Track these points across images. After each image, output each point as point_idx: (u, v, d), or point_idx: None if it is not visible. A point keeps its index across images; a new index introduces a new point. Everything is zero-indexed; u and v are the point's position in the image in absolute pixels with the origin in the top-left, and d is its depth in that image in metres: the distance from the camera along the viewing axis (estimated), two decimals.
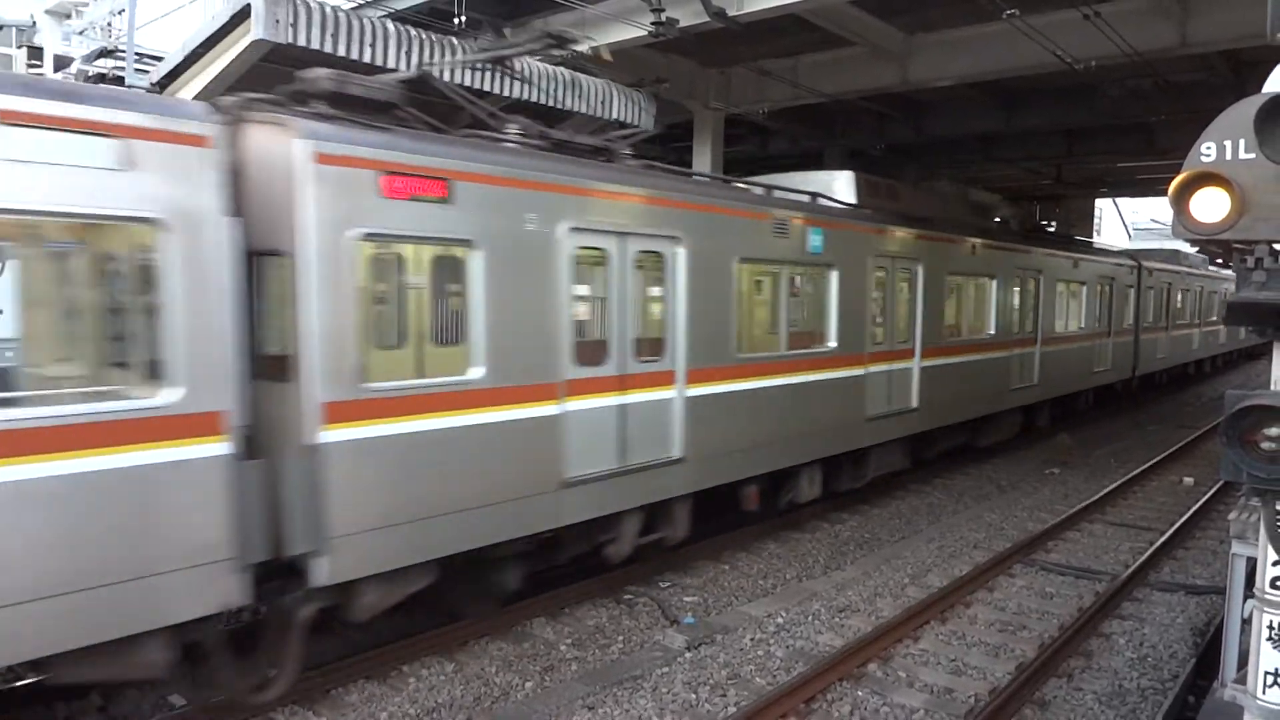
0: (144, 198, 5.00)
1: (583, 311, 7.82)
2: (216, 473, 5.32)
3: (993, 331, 14.88)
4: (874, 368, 11.65)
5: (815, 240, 10.46)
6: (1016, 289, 15.61)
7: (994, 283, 14.82)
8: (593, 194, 7.67)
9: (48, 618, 4.74)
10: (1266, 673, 3.91)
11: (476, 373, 6.71)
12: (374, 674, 6.85)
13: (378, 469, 6.10)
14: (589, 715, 6.30)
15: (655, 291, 8.51)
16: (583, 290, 7.80)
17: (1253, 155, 3.37)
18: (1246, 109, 3.38)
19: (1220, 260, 4.36)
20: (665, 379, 8.44)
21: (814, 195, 11.11)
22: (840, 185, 12.06)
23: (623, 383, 8.00)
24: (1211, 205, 3.46)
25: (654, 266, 8.44)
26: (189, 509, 5.23)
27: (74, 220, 4.92)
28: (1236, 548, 4.89)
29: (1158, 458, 15.79)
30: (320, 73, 6.57)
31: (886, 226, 11.98)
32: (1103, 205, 39.02)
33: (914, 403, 12.61)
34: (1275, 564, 3.87)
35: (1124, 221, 49.54)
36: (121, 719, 6.25)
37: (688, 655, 7.33)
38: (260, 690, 6.03)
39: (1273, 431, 3.50)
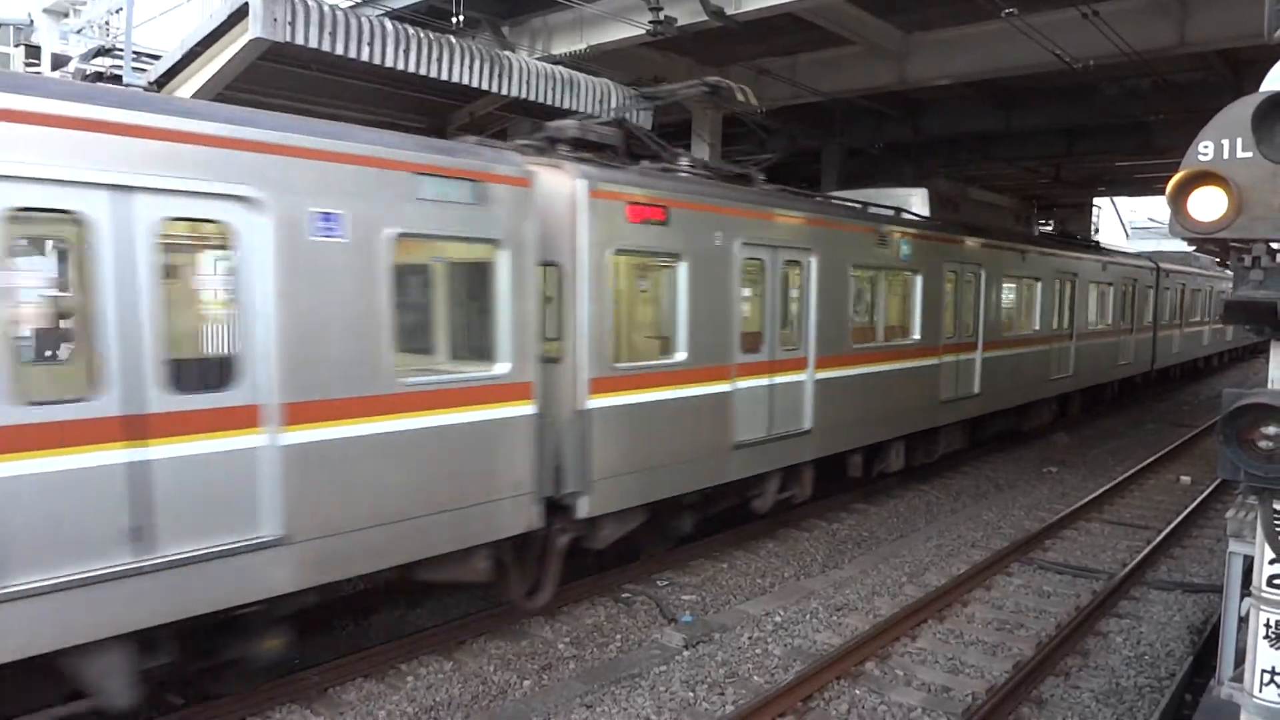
0: (491, 224, 6.78)
1: (746, 309, 9.59)
2: (527, 428, 7.13)
3: (1037, 327, 16.49)
4: (946, 358, 13.40)
5: (905, 249, 12.20)
6: (1056, 290, 17.18)
7: (1039, 284, 16.48)
8: (758, 216, 9.57)
9: (434, 529, 6.51)
10: (1263, 670, 3.92)
11: (681, 356, 8.62)
12: (372, 672, 6.85)
13: (620, 430, 7.94)
14: (587, 713, 6.30)
15: (794, 293, 10.29)
16: (747, 292, 9.58)
17: (1250, 154, 3.37)
18: (1244, 108, 3.38)
19: (1219, 259, 4.36)
20: (800, 364, 10.24)
21: (897, 210, 12.84)
22: (916, 200, 13.97)
23: (772, 367, 9.81)
24: (1209, 204, 3.46)
25: (794, 273, 10.20)
26: (512, 453, 7.03)
27: (458, 242, 6.78)
28: (1233, 546, 4.89)
29: (1155, 456, 15.81)
30: (567, 123, 8.59)
31: (956, 236, 13.73)
32: (1100, 204, 39.05)
33: (976, 389, 14.28)
34: (1272, 562, 3.88)
35: (1122, 220, 49.58)
36: (119, 717, 6.24)
37: (686, 654, 7.33)
38: (530, 598, 7.74)
39: (1270, 430, 3.51)
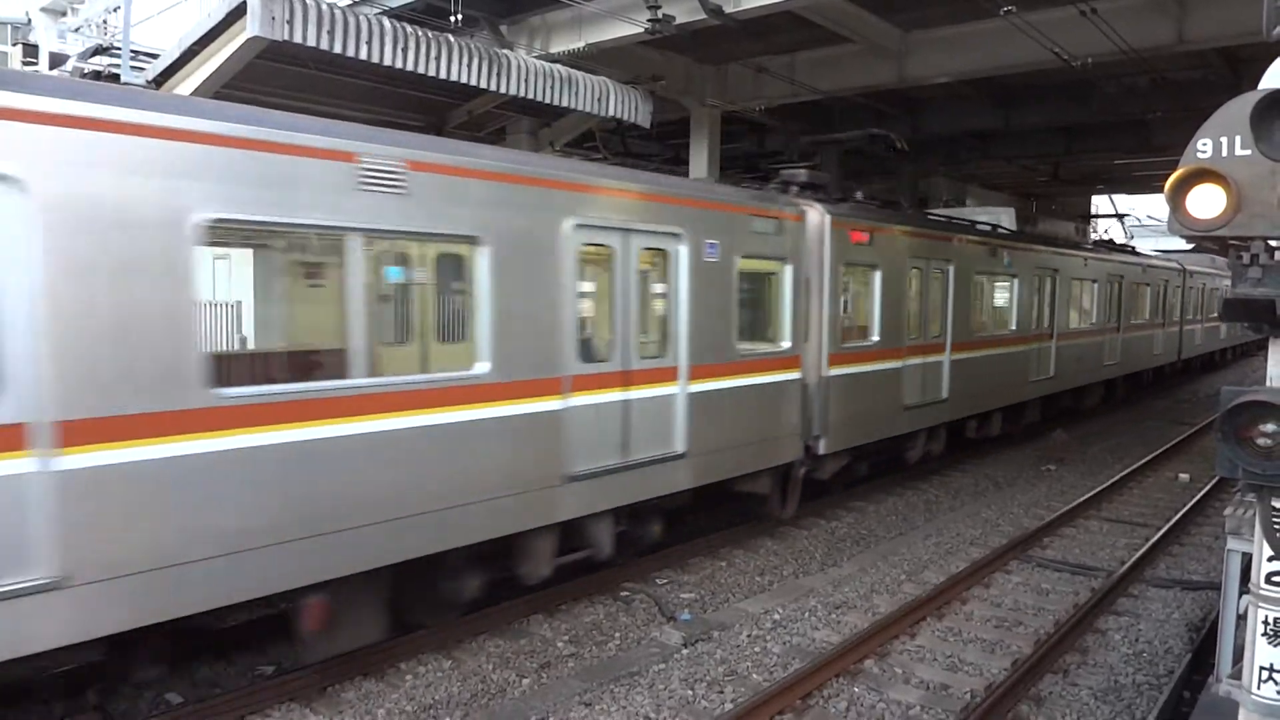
0: (782, 247, 9.97)
1: (914, 307, 12.69)
2: (797, 387, 10.30)
3: (1094, 321, 19.72)
4: (1034, 345, 16.55)
5: (1007, 259, 15.21)
6: (1109, 290, 20.41)
7: (1096, 285, 19.62)
8: (920, 237, 12.80)
9: (752, 452, 9.69)
10: (1261, 668, 3.92)
11: (875, 338, 11.72)
12: (371, 671, 6.85)
13: (844, 392, 10.93)
14: (586, 712, 6.30)
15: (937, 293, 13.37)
16: (911, 293, 12.71)
17: (1249, 152, 3.37)
18: (1243, 106, 3.37)
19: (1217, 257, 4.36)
20: (939, 349, 13.34)
21: (994, 226, 15.68)
22: (1005, 217, 16.97)
23: (924, 350, 12.98)
24: (1208, 202, 3.46)
25: (940, 279, 13.31)
26: (790, 405, 10.18)
27: (765, 260, 9.89)
28: (1232, 543, 4.89)
29: (1153, 454, 15.82)
30: (799, 171, 11.40)
31: (1039, 246, 16.75)
32: (1099, 202, 39.04)
33: (1051, 372, 17.28)
34: (1270, 559, 3.88)
35: (1121, 218, 49.49)
36: (118, 717, 6.24)
37: (685, 652, 7.34)
38: (784, 510, 10.81)
39: (1268, 427, 3.51)
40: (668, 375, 8.56)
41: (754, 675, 6.92)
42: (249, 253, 7.04)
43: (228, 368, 6.75)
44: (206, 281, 5.49)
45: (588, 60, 13.44)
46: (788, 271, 10.05)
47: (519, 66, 11.11)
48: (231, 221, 5.43)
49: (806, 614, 8.20)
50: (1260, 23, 4.53)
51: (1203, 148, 3.50)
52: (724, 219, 9.04)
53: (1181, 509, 11.84)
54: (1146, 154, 22.08)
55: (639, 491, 8.32)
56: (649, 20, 12.14)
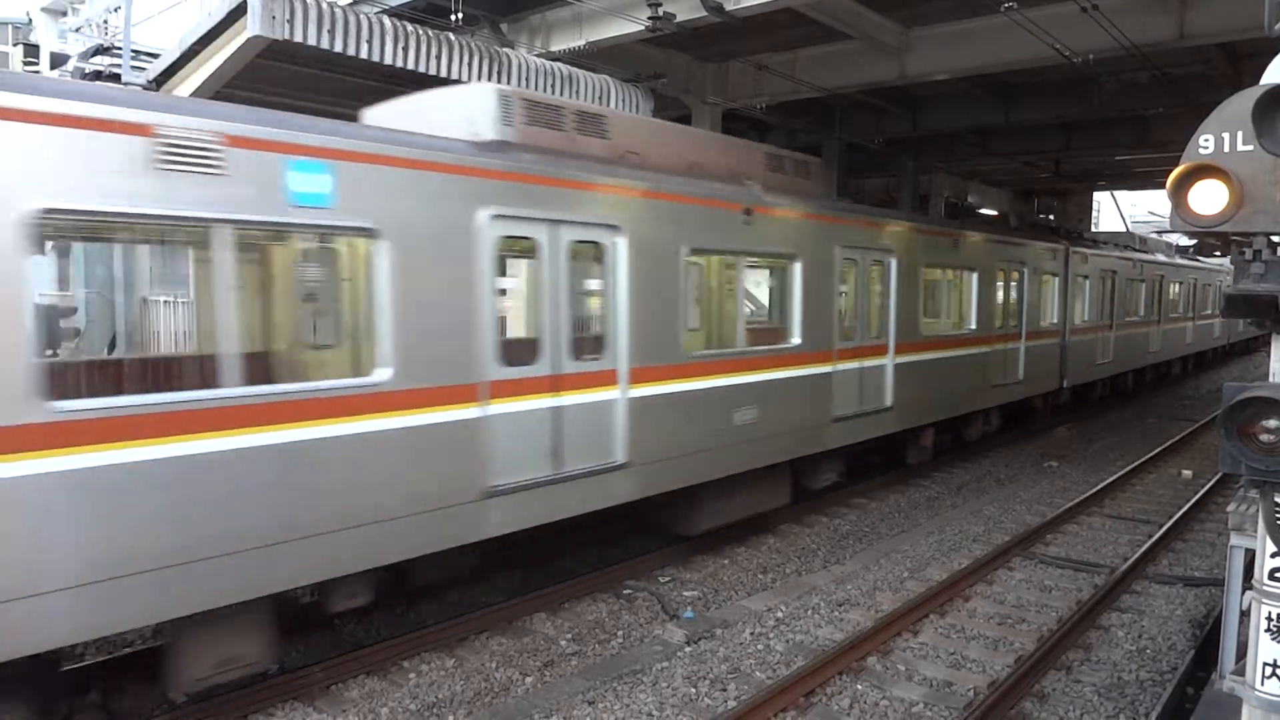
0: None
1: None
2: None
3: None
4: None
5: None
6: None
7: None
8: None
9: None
10: (1265, 664, 3.92)
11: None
12: (374, 669, 6.86)
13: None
14: (589, 710, 6.30)
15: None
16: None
17: (1251, 147, 3.36)
18: (1245, 101, 3.36)
19: (1219, 253, 4.35)
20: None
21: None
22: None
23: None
24: (1210, 197, 3.45)
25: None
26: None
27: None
28: (1235, 540, 4.89)
29: (1156, 450, 15.81)
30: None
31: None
32: (1100, 198, 39.03)
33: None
34: (1274, 555, 3.87)
35: (1122, 215, 49.50)
36: (122, 715, 6.26)
37: (687, 649, 7.34)
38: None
39: (1271, 423, 3.50)
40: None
41: (757, 673, 6.93)
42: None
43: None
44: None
45: (588, 58, 13.43)
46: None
47: (519, 65, 11.11)
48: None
49: (809, 611, 8.20)
50: (1260, 18, 4.52)
51: (1204, 143, 3.50)
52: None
53: (1184, 505, 11.84)
54: (1147, 150, 22.06)
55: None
56: (649, 18, 12.11)
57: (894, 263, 11.78)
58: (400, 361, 6.20)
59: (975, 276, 13.90)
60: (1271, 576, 3.90)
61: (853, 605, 8.38)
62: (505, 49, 11.57)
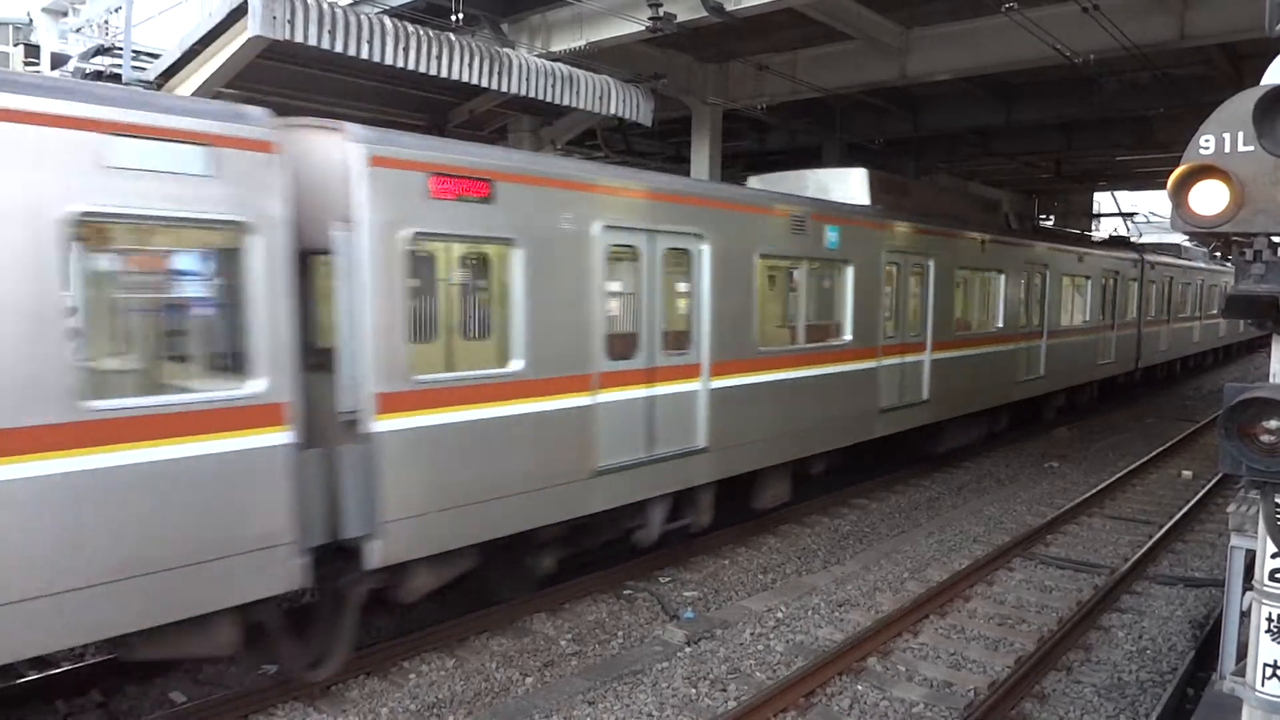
0: None
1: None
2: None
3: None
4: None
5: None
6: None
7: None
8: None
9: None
10: (1265, 664, 3.92)
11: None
12: (374, 670, 6.86)
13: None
14: (589, 710, 6.30)
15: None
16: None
17: (1252, 148, 3.36)
18: (1245, 102, 3.36)
19: (1219, 253, 4.35)
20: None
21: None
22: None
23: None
24: (1210, 198, 3.44)
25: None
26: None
27: None
28: (1235, 540, 4.89)
29: (1156, 451, 15.80)
30: None
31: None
32: (1101, 199, 39.02)
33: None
34: (1274, 556, 3.88)
35: (1123, 216, 49.48)
36: (121, 715, 6.26)
37: (688, 650, 7.34)
38: None
39: (1272, 424, 3.49)
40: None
41: (757, 673, 6.93)
42: None
43: None
44: None
45: (589, 58, 13.43)
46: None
47: (520, 65, 11.09)
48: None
49: (809, 612, 8.20)
50: (1261, 18, 4.52)
51: (1205, 144, 3.49)
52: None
53: (1185, 506, 11.83)
54: (1148, 150, 22.04)
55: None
56: (650, 18, 12.11)
57: (1048, 274, 16.80)
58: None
59: (1090, 282, 19.09)
60: (1272, 577, 3.90)
61: (853, 606, 8.38)
62: (506, 49, 11.55)
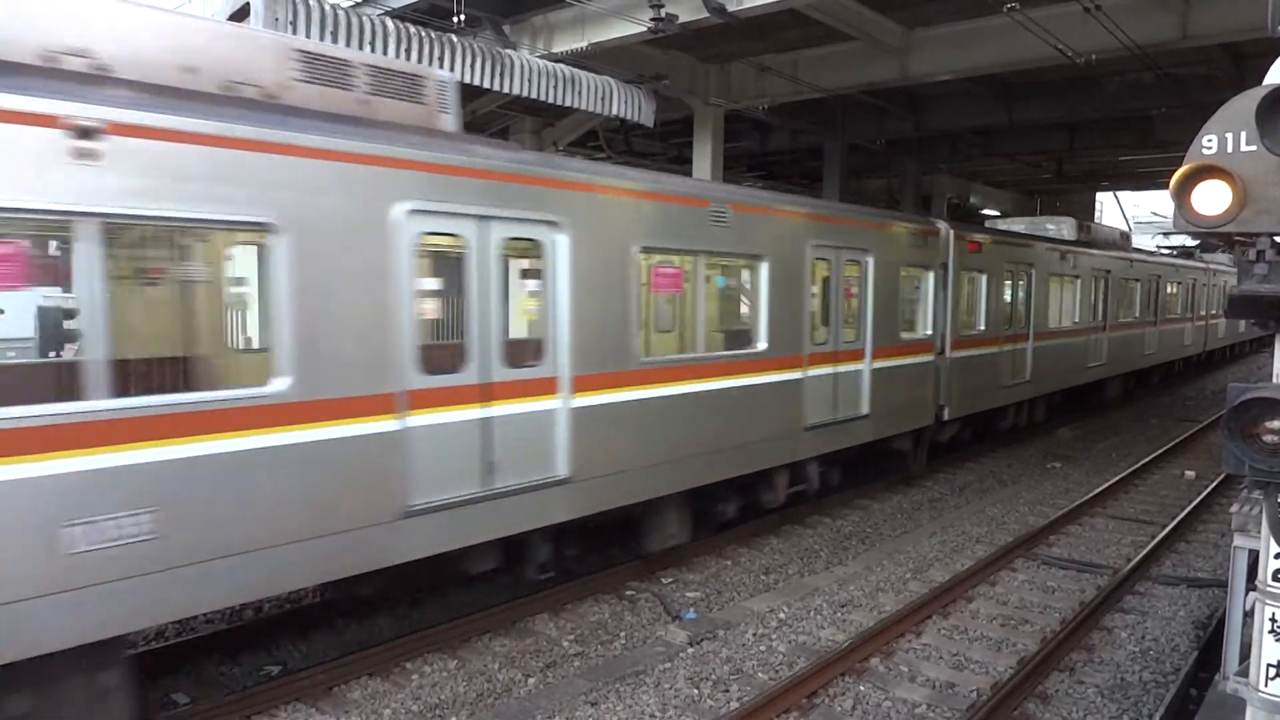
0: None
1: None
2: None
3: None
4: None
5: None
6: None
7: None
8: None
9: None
10: (1269, 665, 3.91)
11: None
12: (377, 670, 6.86)
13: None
14: (591, 711, 6.30)
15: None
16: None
17: (1254, 148, 3.35)
18: (1248, 101, 3.36)
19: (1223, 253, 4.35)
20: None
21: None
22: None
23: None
24: (1213, 198, 3.44)
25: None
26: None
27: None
28: (1238, 540, 4.87)
29: (1158, 451, 15.78)
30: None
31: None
32: (1103, 199, 39.03)
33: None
34: (1277, 556, 3.87)
35: (1125, 215, 49.57)
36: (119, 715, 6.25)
37: (690, 651, 7.34)
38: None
39: (1275, 424, 3.49)
40: None
41: (759, 674, 6.92)
42: None
43: None
44: None
45: (591, 59, 13.44)
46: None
47: (522, 66, 11.11)
48: None
49: (812, 612, 8.19)
50: (1264, 18, 4.51)
51: (1208, 144, 3.49)
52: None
53: (1187, 506, 11.82)
54: (1150, 150, 22.05)
55: None
56: (652, 19, 12.13)
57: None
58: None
59: (1170, 285, 24.39)
60: (1276, 577, 3.89)
61: (855, 606, 8.38)
62: (508, 50, 11.57)
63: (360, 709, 6.34)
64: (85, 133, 4.73)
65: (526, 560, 7.63)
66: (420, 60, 10.11)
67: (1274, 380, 3.80)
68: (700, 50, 16.00)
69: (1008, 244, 15.23)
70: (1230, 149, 3.43)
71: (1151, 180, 30.66)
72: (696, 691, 6.60)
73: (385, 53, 9.84)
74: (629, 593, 8.66)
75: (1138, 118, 19.64)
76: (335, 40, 9.50)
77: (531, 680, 6.84)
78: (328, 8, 9.45)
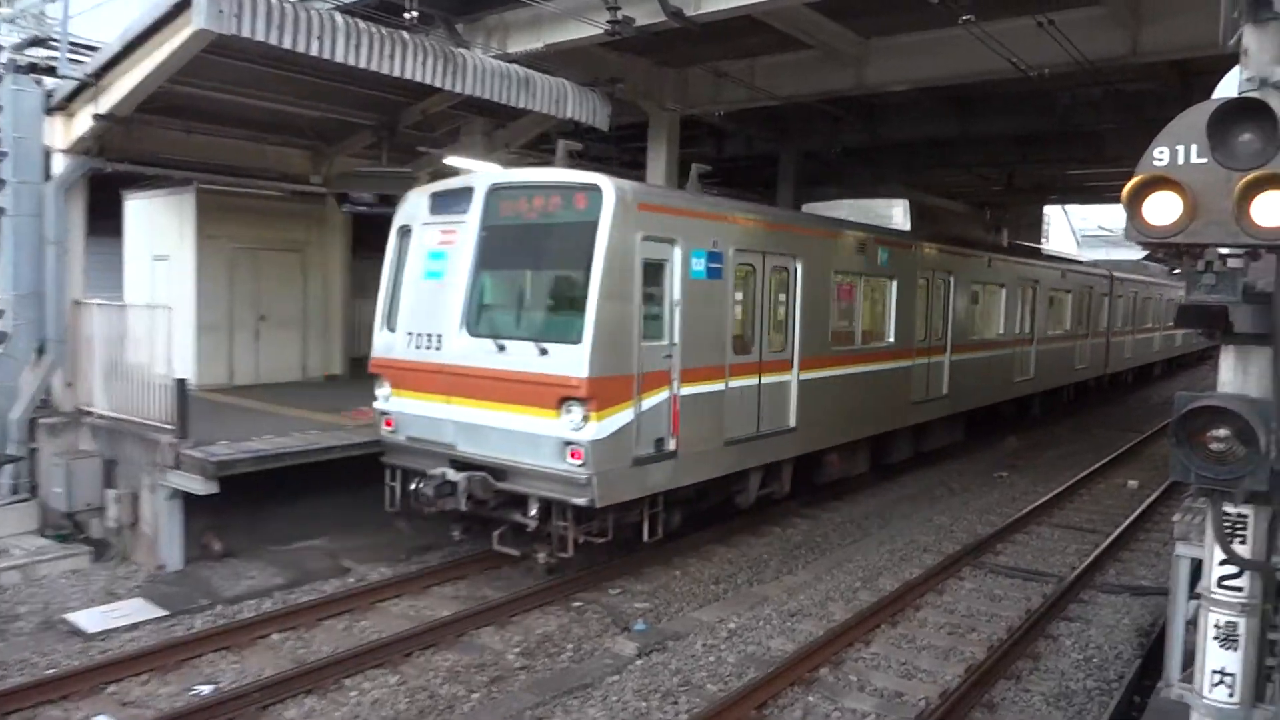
0: None
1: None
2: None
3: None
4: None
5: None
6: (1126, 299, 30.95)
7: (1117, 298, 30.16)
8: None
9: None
10: (1213, 671, 3.93)
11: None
12: (314, 688, 6.62)
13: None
14: None
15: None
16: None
17: (1204, 160, 3.37)
18: (1198, 115, 3.38)
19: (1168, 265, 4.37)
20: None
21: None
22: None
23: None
24: (1163, 209, 3.45)
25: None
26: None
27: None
28: (1180, 549, 4.93)
29: (1103, 461, 16.07)
30: None
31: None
32: (1050, 212, 39.87)
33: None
34: (1221, 563, 3.89)
35: (1072, 229, 50.73)
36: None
37: (639, 662, 7.22)
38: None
39: (1221, 432, 3.52)
40: None
41: (709, 685, 6.83)
42: None
43: None
44: None
45: (546, 61, 13.29)
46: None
47: (475, 66, 10.93)
48: None
49: (761, 622, 8.13)
50: (1214, 35, 4.55)
51: (1159, 155, 3.49)
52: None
53: (1130, 515, 12.01)
54: (1099, 165, 22.47)
55: None
56: (608, 21, 12.00)
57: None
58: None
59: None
60: (1219, 584, 3.91)
61: (805, 616, 8.33)
62: (461, 49, 11.36)
63: None
64: None
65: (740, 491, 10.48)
66: (370, 57, 9.88)
67: (1220, 389, 3.82)
68: (657, 54, 15.91)
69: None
70: (1181, 160, 3.44)
71: (1100, 194, 31.29)
72: (645, 704, 6.48)
73: (334, 48, 9.59)
74: (577, 604, 8.51)
75: (1088, 133, 20.00)
76: (282, 35, 9.22)
77: (476, 695, 6.66)
78: (274, 0, 9.18)
